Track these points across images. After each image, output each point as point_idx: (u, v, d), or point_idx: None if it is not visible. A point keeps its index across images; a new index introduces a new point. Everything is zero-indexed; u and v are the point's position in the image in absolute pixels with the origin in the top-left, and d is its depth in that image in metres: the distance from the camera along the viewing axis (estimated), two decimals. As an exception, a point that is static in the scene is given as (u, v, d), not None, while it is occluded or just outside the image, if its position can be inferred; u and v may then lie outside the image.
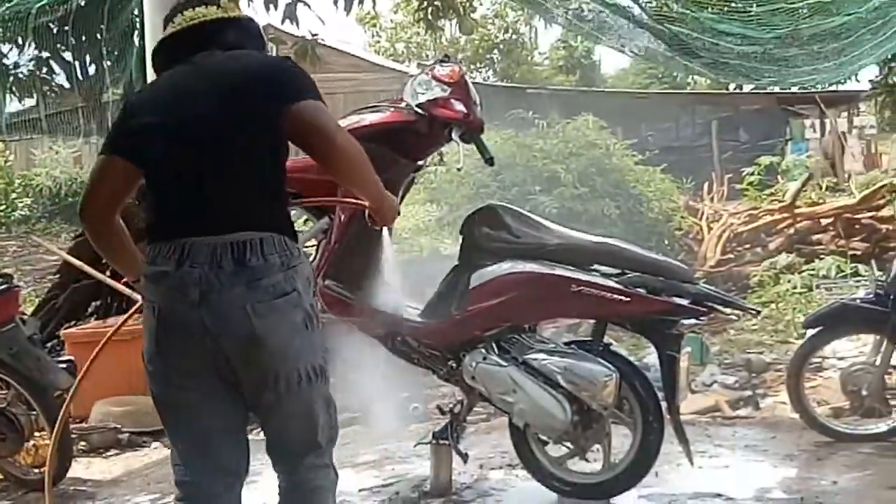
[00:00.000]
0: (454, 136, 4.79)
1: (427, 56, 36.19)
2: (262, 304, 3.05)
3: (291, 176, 3.33)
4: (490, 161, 4.89)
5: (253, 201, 3.13)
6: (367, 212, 3.57)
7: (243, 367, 3.12)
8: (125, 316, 4.56)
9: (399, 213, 3.64)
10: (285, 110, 3.11)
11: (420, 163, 5.07)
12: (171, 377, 3.17)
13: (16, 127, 11.35)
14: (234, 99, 3.13)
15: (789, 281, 11.56)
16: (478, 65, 37.68)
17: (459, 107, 4.76)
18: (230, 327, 3.05)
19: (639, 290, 4.69)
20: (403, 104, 4.85)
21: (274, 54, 3.41)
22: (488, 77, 37.31)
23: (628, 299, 4.67)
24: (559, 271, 4.73)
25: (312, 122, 3.14)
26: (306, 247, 4.67)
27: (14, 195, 22.06)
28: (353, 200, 3.74)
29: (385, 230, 4.17)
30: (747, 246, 13.31)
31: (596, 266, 4.80)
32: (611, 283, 4.70)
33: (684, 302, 4.70)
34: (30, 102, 10.48)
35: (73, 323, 9.38)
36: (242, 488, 3.35)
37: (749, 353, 9.20)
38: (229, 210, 3.09)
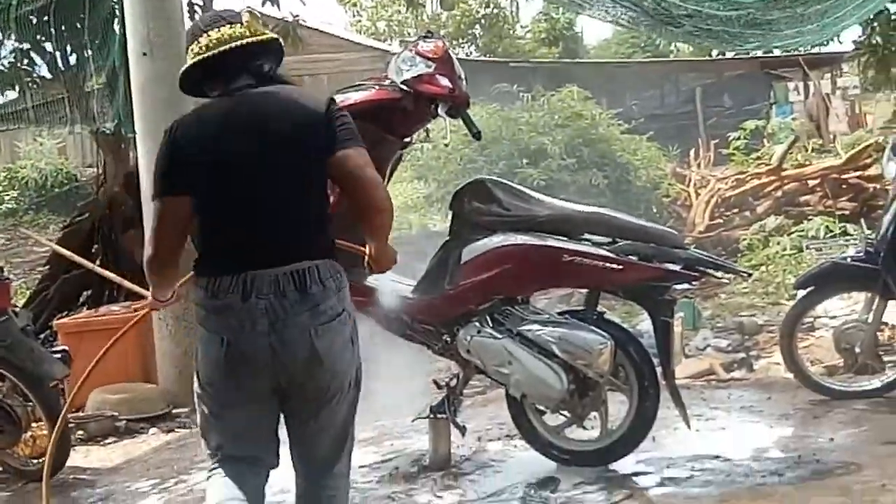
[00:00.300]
0: (440, 111, 4.79)
1: (408, 34, 36.03)
2: (322, 326, 3.29)
3: None
4: (477, 135, 4.89)
5: (307, 232, 3.34)
6: (366, 259, 3.60)
7: (303, 384, 3.34)
8: (129, 324, 4.70)
9: (396, 262, 3.68)
10: (332, 156, 3.31)
11: (407, 140, 5.08)
12: (230, 398, 3.38)
13: (0, 119, 11.32)
14: (284, 141, 3.29)
15: (778, 243, 11.61)
16: (460, 40, 37.48)
17: (445, 82, 4.75)
18: (295, 351, 3.27)
19: (630, 257, 4.71)
20: (388, 82, 4.84)
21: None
22: (471, 52, 37.21)
23: (620, 267, 4.69)
24: (551, 242, 4.74)
25: (356, 173, 3.33)
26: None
27: (0, 188, 21.96)
28: (355, 247, 3.73)
29: None
30: (735, 210, 13.36)
31: (587, 236, 4.81)
32: (602, 252, 4.71)
33: (676, 268, 4.71)
34: (12, 95, 10.43)
35: (64, 313, 9.37)
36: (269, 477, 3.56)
37: (741, 316, 9.25)
38: (287, 243, 3.29)
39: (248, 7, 3.50)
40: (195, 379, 3.44)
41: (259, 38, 3.40)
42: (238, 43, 3.36)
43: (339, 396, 3.39)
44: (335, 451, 3.51)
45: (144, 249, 3.42)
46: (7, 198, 21.58)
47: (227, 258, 3.30)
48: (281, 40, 3.56)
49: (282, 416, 3.49)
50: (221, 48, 3.36)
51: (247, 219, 3.30)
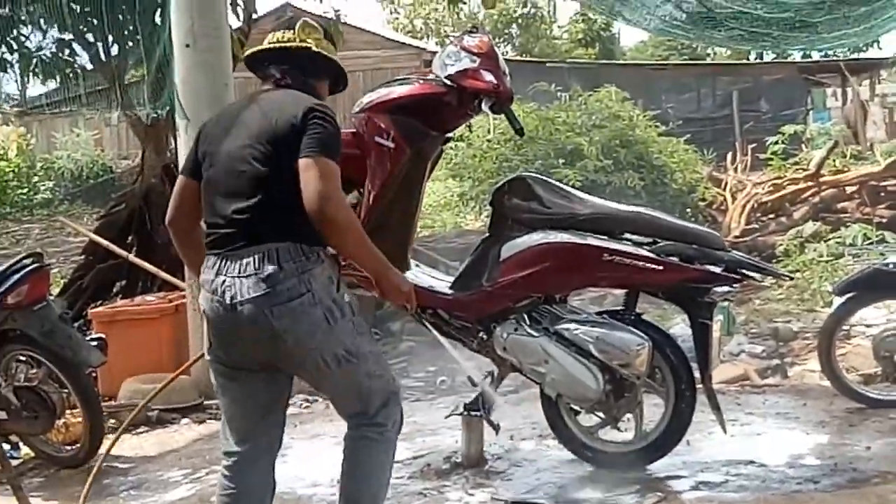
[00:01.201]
0: (484, 107, 4.75)
1: (445, 32, 36.08)
2: (277, 307, 3.41)
3: None
4: (520, 132, 4.87)
5: (273, 218, 3.48)
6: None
7: (280, 360, 3.56)
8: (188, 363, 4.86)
9: (407, 294, 3.71)
10: (297, 160, 3.43)
11: (449, 135, 5.05)
12: (224, 365, 3.64)
13: (40, 109, 11.38)
14: (260, 141, 3.51)
15: (815, 249, 11.51)
16: (496, 40, 37.45)
17: (489, 77, 4.70)
18: (256, 329, 3.45)
19: (672, 258, 4.66)
20: (432, 76, 4.81)
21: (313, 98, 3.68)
22: (507, 52, 37.13)
23: (661, 268, 4.64)
24: (591, 241, 4.70)
25: (308, 184, 3.38)
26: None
27: (36, 178, 22.09)
28: (355, 274, 3.85)
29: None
30: (771, 216, 13.29)
31: (627, 235, 4.77)
32: (643, 252, 4.67)
33: (717, 269, 4.66)
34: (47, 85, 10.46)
35: (99, 302, 9.42)
36: (276, 459, 3.78)
37: (776, 321, 9.18)
38: (254, 227, 3.47)
39: (306, 18, 3.81)
40: None
41: (286, 45, 3.72)
42: (267, 48, 3.75)
43: (326, 369, 3.51)
44: (359, 404, 3.61)
45: None
46: (43, 188, 21.73)
47: (212, 239, 3.56)
48: (318, 51, 3.76)
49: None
50: (259, 48, 3.80)
51: (224, 206, 3.52)
